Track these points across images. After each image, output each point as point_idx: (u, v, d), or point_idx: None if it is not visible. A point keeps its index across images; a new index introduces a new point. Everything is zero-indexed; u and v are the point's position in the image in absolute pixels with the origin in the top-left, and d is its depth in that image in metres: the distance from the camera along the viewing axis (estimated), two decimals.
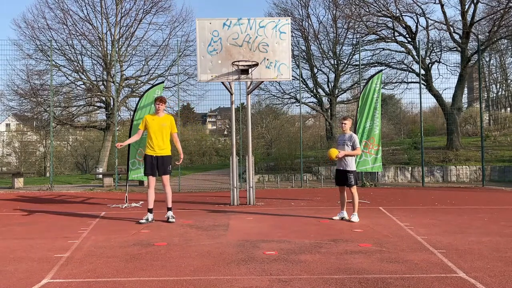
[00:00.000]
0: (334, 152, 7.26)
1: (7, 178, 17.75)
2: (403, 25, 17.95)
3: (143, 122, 7.35)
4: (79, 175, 24.05)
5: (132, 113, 10.96)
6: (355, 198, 7.18)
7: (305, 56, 22.19)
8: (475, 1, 16.66)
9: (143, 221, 7.03)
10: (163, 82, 11.45)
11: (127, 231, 6.39)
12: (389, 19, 17.99)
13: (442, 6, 17.19)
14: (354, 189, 7.18)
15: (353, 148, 7.15)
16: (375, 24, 18.80)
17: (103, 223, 7.22)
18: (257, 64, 8.75)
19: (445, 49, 18.02)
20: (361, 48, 18.48)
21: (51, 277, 4.07)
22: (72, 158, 31.21)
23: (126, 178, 9.91)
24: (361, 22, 18.73)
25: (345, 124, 7.34)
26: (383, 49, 19.51)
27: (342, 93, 23.54)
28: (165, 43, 20.55)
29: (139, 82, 20.92)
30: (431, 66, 17.88)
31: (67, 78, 20.09)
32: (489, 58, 28.06)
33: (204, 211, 8.60)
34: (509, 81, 29.01)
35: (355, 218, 7.05)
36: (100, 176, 15.92)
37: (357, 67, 18.89)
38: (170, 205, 7.31)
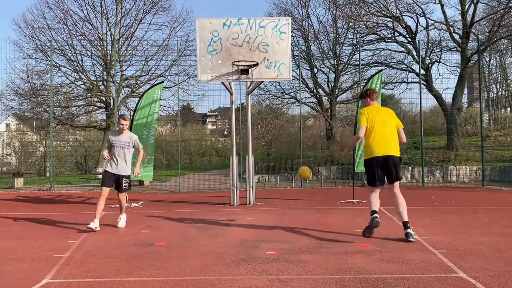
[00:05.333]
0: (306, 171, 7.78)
1: (7, 178, 17.75)
2: (403, 25, 17.94)
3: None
4: (79, 175, 24.05)
5: (132, 113, 10.96)
6: (124, 203, 7.04)
7: (305, 56, 22.17)
8: (475, 1, 16.64)
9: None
10: (162, 82, 11.46)
11: (127, 231, 6.39)
12: (389, 19, 17.97)
13: (442, 6, 17.19)
14: (124, 195, 7.06)
15: (137, 150, 6.95)
16: (375, 24, 18.78)
17: (103, 223, 7.21)
18: (257, 64, 8.75)
19: (445, 49, 18.01)
20: (361, 48, 18.47)
21: (51, 277, 4.07)
22: (72, 158, 31.21)
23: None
24: (361, 22, 18.71)
25: (123, 126, 6.76)
26: (383, 49, 19.50)
27: (342, 93, 23.51)
28: (165, 43, 20.59)
29: (139, 82, 20.94)
30: (431, 66, 17.87)
31: (67, 78, 20.13)
32: (489, 58, 28.03)
33: (204, 211, 8.60)
34: (509, 81, 28.99)
35: (122, 223, 6.81)
36: (100, 176, 15.91)
37: (357, 67, 18.88)
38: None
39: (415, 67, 17.35)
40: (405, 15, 17.98)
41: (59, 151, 29.14)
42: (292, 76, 9.57)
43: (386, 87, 19.70)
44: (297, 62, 16.66)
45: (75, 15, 20.26)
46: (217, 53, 8.89)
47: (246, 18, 8.95)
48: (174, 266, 4.39)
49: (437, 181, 14.88)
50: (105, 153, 6.72)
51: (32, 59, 19.56)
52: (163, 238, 5.79)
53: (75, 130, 26.40)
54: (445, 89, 30.33)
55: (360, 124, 5.67)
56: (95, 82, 20.55)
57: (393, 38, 18.34)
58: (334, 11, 21.79)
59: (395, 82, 19.50)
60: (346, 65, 21.94)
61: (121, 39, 20.77)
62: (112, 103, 19.93)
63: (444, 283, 3.74)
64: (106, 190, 6.67)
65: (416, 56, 16.45)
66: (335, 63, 22.39)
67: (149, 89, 10.48)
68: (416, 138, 17.69)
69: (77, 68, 19.87)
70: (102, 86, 20.91)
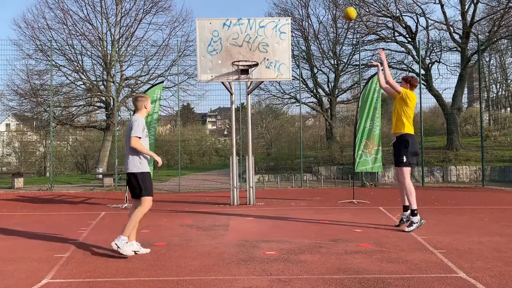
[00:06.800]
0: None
1: (7, 178, 17.75)
2: (403, 25, 17.94)
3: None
4: (79, 175, 24.04)
5: (132, 113, 10.94)
6: (137, 217, 4.89)
7: (305, 56, 22.17)
8: (475, 1, 16.64)
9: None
10: (162, 82, 11.45)
11: None
12: (389, 19, 17.97)
13: (442, 6, 17.18)
14: (145, 200, 4.94)
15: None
16: (375, 24, 18.78)
17: (103, 223, 7.22)
18: (257, 64, 8.75)
19: (445, 49, 18.00)
20: (361, 48, 18.47)
21: (51, 277, 4.07)
22: (72, 158, 31.16)
23: (126, 178, 9.90)
24: (361, 22, 18.72)
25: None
26: (383, 49, 19.48)
27: (342, 93, 23.53)
28: (165, 43, 20.57)
29: (139, 82, 20.93)
30: (431, 66, 17.87)
31: (67, 78, 20.12)
32: (489, 58, 28.02)
33: (204, 211, 8.59)
34: (509, 81, 28.98)
35: (121, 243, 4.72)
36: (100, 176, 15.93)
37: (357, 67, 18.88)
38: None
39: (415, 67, 17.35)
40: (405, 15, 17.99)
41: (59, 151, 29.11)
42: (292, 76, 9.57)
43: None
44: (297, 62, 16.66)
45: (75, 15, 20.27)
46: (217, 53, 8.89)
47: (246, 18, 8.95)
48: (174, 266, 4.39)
49: (437, 181, 14.88)
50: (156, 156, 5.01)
51: (32, 59, 19.57)
52: (163, 238, 5.79)
53: (75, 130, 26.37)
54: (445, 89, 30.32)
55: (402, 88, 6.24)
56: (95, 82, 20.54)
57: (393, 38, 18.34)
58: (334, 11, 21.81)
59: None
60: (346, 65, 21.95)
61: (121, 39, 20.77)
62: (112, 103, 19.93)
63: (444, 283, 3.74)
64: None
65: (416, 56, 16.44)
66: (335, 63, 22.39)
67: (149, 89, 10.47)
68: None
69: (77, 68, 19.86)
70: (102, 86, 20.91)
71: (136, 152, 4.92)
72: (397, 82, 6.63)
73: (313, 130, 28.82)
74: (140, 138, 4.89)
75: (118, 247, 4.68)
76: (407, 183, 6.09)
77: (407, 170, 6.14)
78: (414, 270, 4.13)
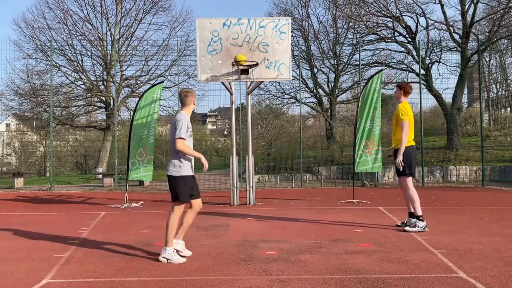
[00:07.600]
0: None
1: (7, 178, 17.76)
2: (403, 25, 17.94)
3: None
4: (79, 175, 24.05)
5: (132, 113, 10.96)
6: (173, 221, 4.69)
7: (305, 56, 22.17)
8: (475, 1, 16.64)
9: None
10: (162, 82, 11.45)
11: (127, 231, 6.39)
12: (389, 19, 17.97)
13: (442, 6, 17.18)
14: (176, 208, 4.78)
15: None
16: (375, 24, 18.77)
17: (103, 223, 7.22)
18: (257, 64, 8.75)
19: (445, 49, 17.99)
20: (361, 48, 18.47)
21: (51, 277, 4.07)
22: (72, 158, 31.19)
23: (126, 178, 9.93)
24: (361, 22, 18.71)
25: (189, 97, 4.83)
26: (383, 49, 19.49)
27: (342, 93, 23.51)
28: (165, 43, 20.59)
29: (139, 82, 20.94)
30: (431, 66, 17.86)
31: (67, 78, 20.14)
32: (489, 58, 28.03)
33: (204, 211, 8.59)
34: (509, 81, 28.98)
35: (168, 254, 4.56)
36: (100, 176, 15.93)
37: (357, 67, 18.88)
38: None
39: (415, 67, 17.34)
40: (405, 15, 17.99)
41: (59, 151, 29.14)
42: (292, 76, 9.57)
43: (386, 87, 19.70)
44: (297, 62, 16.65)
45: (75, 15, 20.31)
46: (217, 53, 8.89)
47: (246, 18, 8.95)
48: (174, 266, 4.39)
49: (437, 181, 14.88)
50: (202, 158, 4.72)
51: (32, 59, 19.60)
52: (163, 238, 5.78)
53: (75, 130, 26.40)
54: (445, 89, 30.30)
55: (404, 119, 6.26)
56: (95, 82, 20.55)
57: (393, 38, 18.33)
58: (334, 11, 21.81)
59: (395, 82, 19.48)
60: (346, 65, 21.94)
61: (121, 39, 20.78)
62: (112, 103, 19.94)
63: (444, 283, 3.75)
64: (199, 202, 4.89)
65: (416, 56, 16.43)
66: (335, 63, 22.39)
67: (149, 89, 10.47)
68: (416, 138, 17.63)
69: (77, 68, 19.88)
70: (102, 86, 20.92)
71: (177, 154, 4.61)
72: (397, 82, 6.74)
73: (313, 130, 28.82)
74: (184, 139, 4.57)
75: (167, 259, 4.52)
76: (409, 192, 6.22)
77: (409, 179, 6.25)
78: (414, 270, 4.14)
